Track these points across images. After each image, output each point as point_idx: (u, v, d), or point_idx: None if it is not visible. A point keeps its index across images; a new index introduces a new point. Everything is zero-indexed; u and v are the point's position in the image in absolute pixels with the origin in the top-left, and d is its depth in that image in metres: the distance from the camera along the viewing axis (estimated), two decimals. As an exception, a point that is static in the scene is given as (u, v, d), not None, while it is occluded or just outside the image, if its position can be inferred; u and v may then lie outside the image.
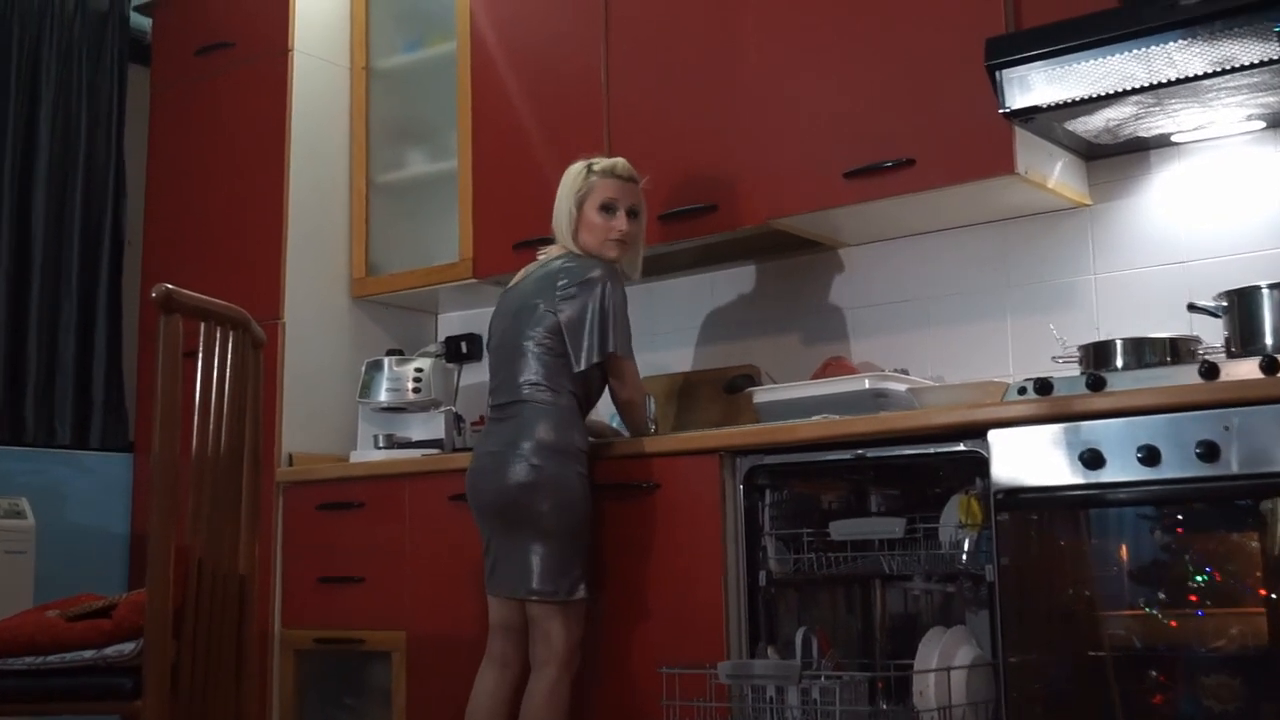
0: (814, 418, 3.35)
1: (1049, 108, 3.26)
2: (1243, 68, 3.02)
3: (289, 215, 4.59)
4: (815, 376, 3.80)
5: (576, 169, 3.65)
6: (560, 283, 3.48)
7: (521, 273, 3.68)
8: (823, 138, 3.70)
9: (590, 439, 3.51)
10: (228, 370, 2.97)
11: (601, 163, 3.64)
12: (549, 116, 4.29)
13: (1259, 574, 2.69)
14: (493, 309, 3.74)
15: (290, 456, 4.42)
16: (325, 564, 4.20)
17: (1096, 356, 3.22)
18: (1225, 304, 3.14)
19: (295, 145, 4.65)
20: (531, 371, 3.46)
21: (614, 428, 3.83)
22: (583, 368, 3.44)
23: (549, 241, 3.69)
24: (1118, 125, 3.40)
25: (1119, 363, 3.17)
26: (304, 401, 4.52)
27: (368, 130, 4.82)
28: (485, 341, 3.72)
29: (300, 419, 4.49)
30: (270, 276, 4.56)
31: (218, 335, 2.96)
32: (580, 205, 3.59)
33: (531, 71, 4.36)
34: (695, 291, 4.40)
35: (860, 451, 3.21)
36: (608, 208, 3.59)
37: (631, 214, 3.62)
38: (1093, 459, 2.84)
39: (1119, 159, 3.64)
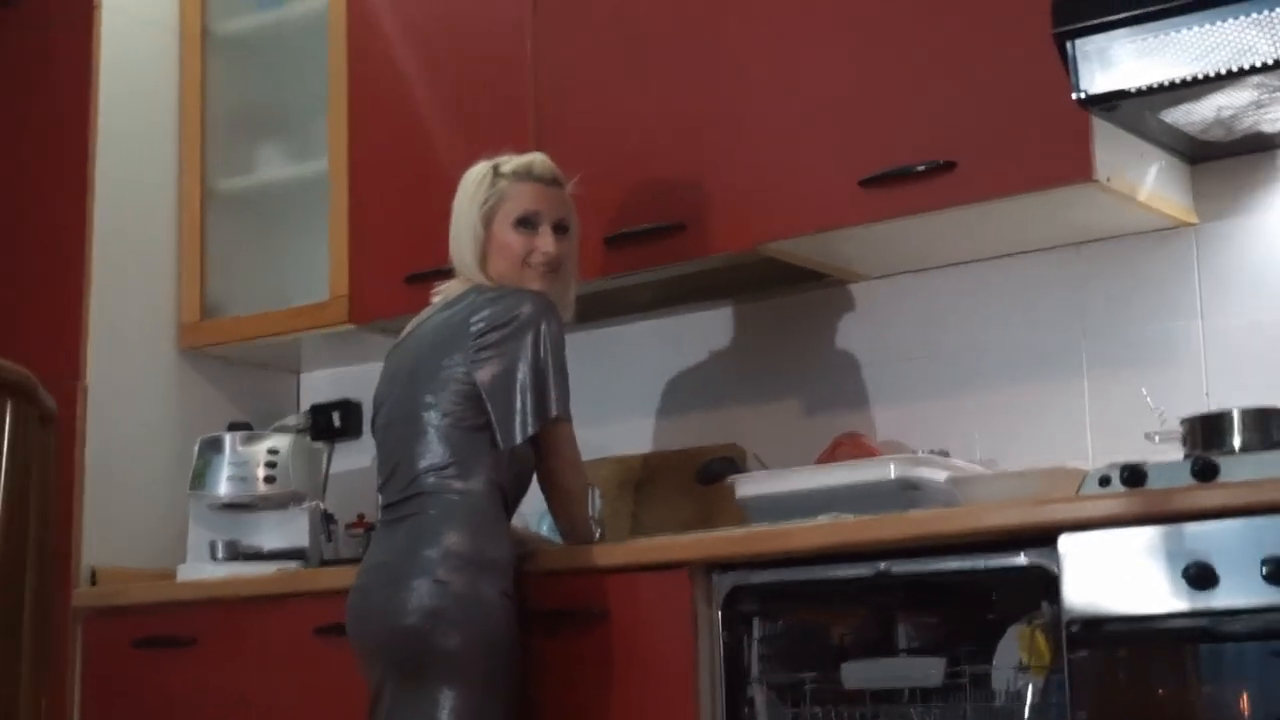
0: (820, 518, 3.35)
1: (1139, 92, 3.29)
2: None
3: (93, 237, 4.59)
4: (821, 460, 3.82)
5: (478, 172, 3.68)
6: (476, 326, 3.49)
7: (414, 321, 3.70)
8: (831, 134, 3.73)
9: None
10: (2, 454, 2.95)
11: (512, 162, 3.66)
12: (455, 102, 4.31)
13: None
14: (377, 366, 3.74)
15: (94, 572, 4.39)
16: (142, 724, 4.17)
17: (1206, 433, 3.24)
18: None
19: (104, 139, 4.65)
20: (436, 454, 3.46)
21: (542, 535, 3.82)
22: (516, 443, 3.45)
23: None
24: (1233, 116, 3.44)
25: (1237, 442, 3.19)
26: (113, 495, 4.49)
27: (204, 119, 4.83)
28: (370, 417, 3.73)
29: (107, 520, 4.46)
30: (66, 323, 4.54)
31: (-10, 407, 2.94)
32: (488, 221, 3.61)
33: (431, 40, 4.38)
34: (655, 342, 4.42)
35: (883, 565, 3.21)
36: (526, 222, 3.61)
37: (559, 229, 3.64)
38: (1201, 575, 2.84)
39: (1234, 161, 3.68)
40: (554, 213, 3.64)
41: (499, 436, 3.45)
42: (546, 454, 3.54)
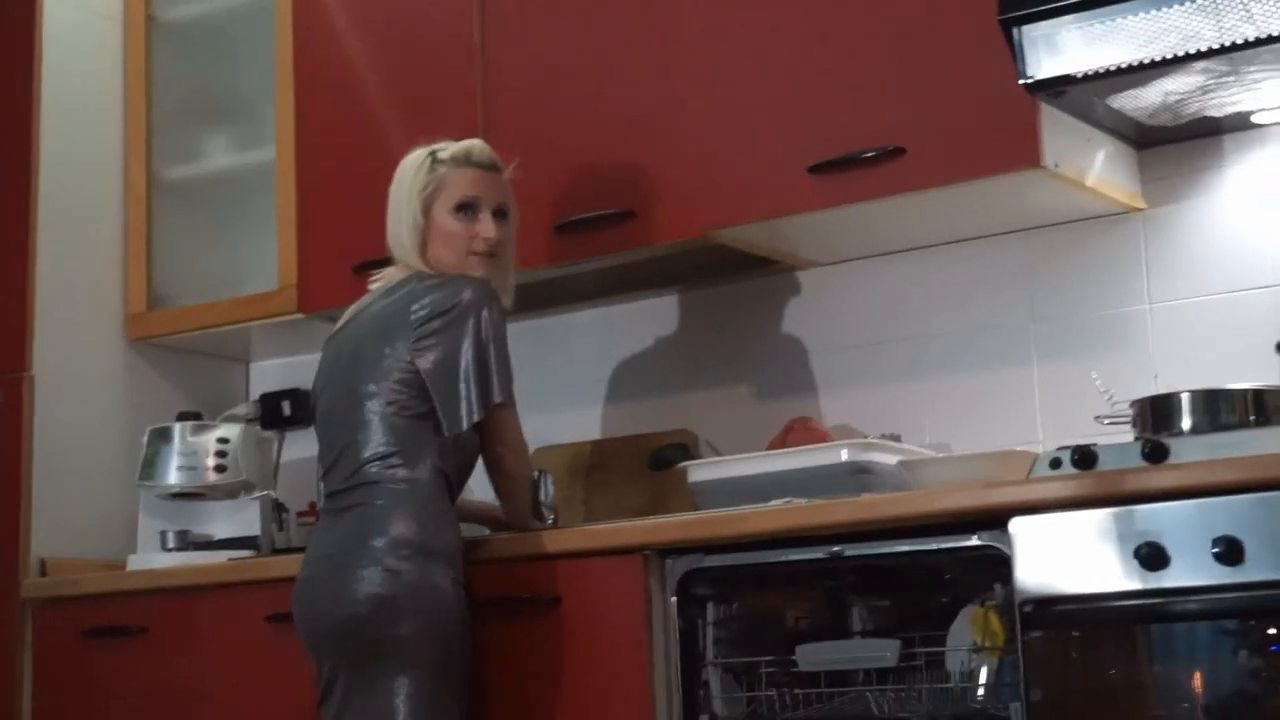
0: (772, 503, 3.36)
1: (1086, 77, 3.31)
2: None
3: (37, 227, 4.56)
4: (773, 446, 3.82)
5: (416, 159, 3.68)
6: (417, 314, 3.48)
7: (353, 308, 3.69)
8: (780, 120, 3.74)
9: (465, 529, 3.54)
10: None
11: (450, 148, 3.67)
12: (403, 90, 4.30)
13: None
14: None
15: (43, 563, 4.38)
16: (95, 714, 4.16)
17: (1155, 416, 3.26)
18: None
19: (47, 129, 4.63)
20: (379, 442, 3.46)
21: (493, 505, 3.79)
22: (461, 430, 3.45)
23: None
24: (1180, 101, 3.46)
25: (1186, 424, 3.21)
26: (61, 486, 4.48)
27: (150, 107, 4.81)
28: (312, 405, 3.73)
29: (56, 511, 4.45)
30: (12, 314, 4.52)
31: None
32: (428, 207, 3.62)
33: (378, 27, 4.38)
34: (604, 330, 4.43)
35: (837, 549, 3.22)
36: (466, 207, 3.61)
37: (499, 214, 3.65)
38: (1152, 556, 2.87)
39: (1182, 146, 3.71)
40: (493, 198, 3.64)
41: (444, 424, 3.45)
42: (491, 440, 3.54)
